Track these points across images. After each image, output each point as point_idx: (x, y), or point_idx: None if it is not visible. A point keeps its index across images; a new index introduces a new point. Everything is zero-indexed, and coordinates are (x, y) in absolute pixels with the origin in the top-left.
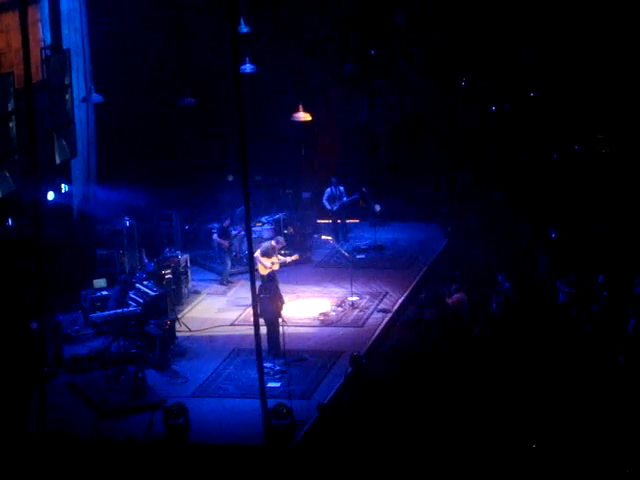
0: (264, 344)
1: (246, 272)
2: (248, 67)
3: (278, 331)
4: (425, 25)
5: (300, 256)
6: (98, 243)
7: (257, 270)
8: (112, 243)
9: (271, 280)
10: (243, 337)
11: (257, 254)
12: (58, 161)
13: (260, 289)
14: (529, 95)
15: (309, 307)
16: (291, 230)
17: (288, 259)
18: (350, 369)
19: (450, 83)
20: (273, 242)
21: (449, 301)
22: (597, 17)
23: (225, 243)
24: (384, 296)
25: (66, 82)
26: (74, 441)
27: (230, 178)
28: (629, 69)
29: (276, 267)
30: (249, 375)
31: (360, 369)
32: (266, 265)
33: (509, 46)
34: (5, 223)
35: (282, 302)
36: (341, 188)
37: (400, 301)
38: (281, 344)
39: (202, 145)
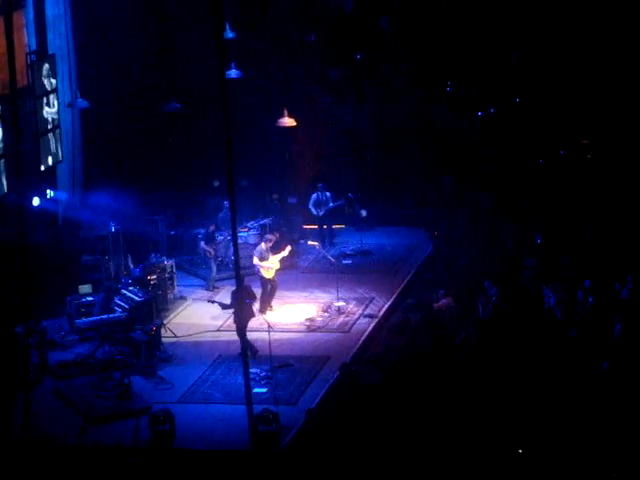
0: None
1: (232, 278)
2: (234, 72)
3: None
4: (411, 30)
5: (292, 247)
6: (83, 249)
7: (261, 276)
8: (97, 249)
9: (268, 285)
10: (229, 343)
11: (256, 262)
12: (43, 167)
13: (244, 293)
14: (515, 100)
15: (295, 313)
16: (277, 235)
17: (284, 253)
18: (337, 375)
19: (436, 88)
20: (263, 244)
21: (436, 306)
22: (583, 23)
23: (211, 251)
24: (370, 301)
25: (51, 87)
26: (59, 447)
27: (216, 183)
28: (614, 75)
29: (278, 266)
30: (235, 381)
31: (350, 377)
32: (268, 267)
33: (495, 51)
34: None
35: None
36: (327, 194)
37: (386, 306)
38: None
39: (188, 150)
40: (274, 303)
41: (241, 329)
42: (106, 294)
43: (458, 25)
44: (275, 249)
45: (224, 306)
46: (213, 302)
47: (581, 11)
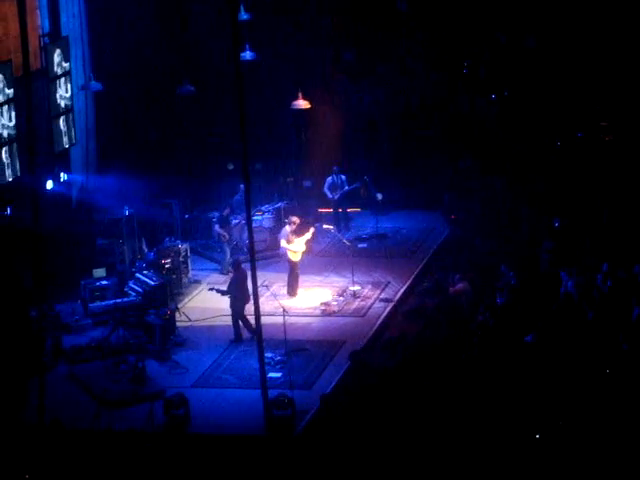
0: (265, 334)
1: (247, 261)
2: (248, 54)
3: None
4: (427, 11)
5: (315, 229)
6: (97, 232)
7: (289, 259)
8: (111, 232)
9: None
10: (244, 327)
11: (283, 244)
12: (57, 150)
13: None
14: (532, 82)
15: (310, 297)
16: (300, 218)
17: (308, 236)
18: (349, 364)
19: (452, 70)
20: (287, 227)
21: (452, 290)
22: (601, 3)
23: (225, 235)
24: (386, 285)
25: (65, 70)
26: (73, 432)
27: (230, 167)
28: (632, 57)
29: (304, 248)
30: (250, 365)
31: (359, 365)
32: (295, 249)
33: (512, 32)
34: (4, 212)
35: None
36: (342, 177)
37: (402, 290)
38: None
39: (202, 133)
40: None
41: (239, 314)
42: (119, 279)
43: (475, 6)
44: (297, 232)
45: (222, 292)
46: (211, 289)
47: None
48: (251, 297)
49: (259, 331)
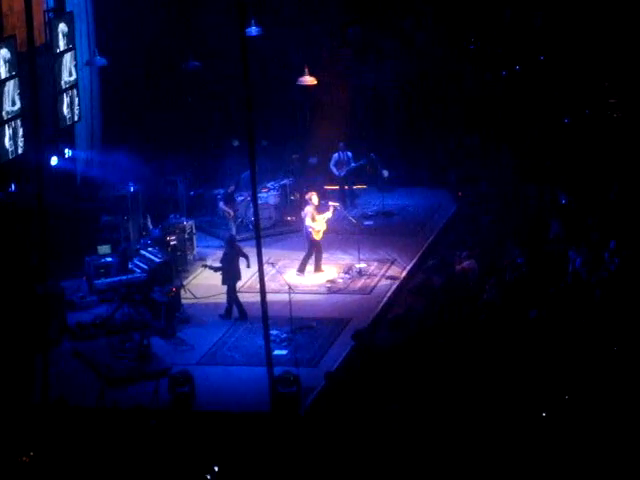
0: (270, 312)
1: (252, 239)
2: (254, 30)
3: None
4: None
5: (333, 210)
6: (102, 209)
7: (312, 238)
8: (116, 209)
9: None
10: (249, 304)
11: (308, 223)
12: (62, 126)
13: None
14: (539, 58)
15: (316, 274)
16: (297, 196)
17: (328, 214)
18: (353, 344)
19: (459, 45)
20: (310, 206)
21: (458, 268)
22: None
23: (230, 212)
24: (392, 263)
25: (69, 45)
26: (78, 409)
27: (236, 143)
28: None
29: (325, 227)
30: (255, 343)
31: (362, 345)
32: (319, 228)
33: (519, 8)
34: (8, 188)
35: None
36: (349, 153)
37: (408, 268)
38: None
39: (207, 109)
40: (296, 265)
41: (232, 290)
42: (122, 256)
43: None
44: (319, 210)
45: (215, 269)
46: (204, 266)
47: None
48: (242, 275)
49: (264, 309)
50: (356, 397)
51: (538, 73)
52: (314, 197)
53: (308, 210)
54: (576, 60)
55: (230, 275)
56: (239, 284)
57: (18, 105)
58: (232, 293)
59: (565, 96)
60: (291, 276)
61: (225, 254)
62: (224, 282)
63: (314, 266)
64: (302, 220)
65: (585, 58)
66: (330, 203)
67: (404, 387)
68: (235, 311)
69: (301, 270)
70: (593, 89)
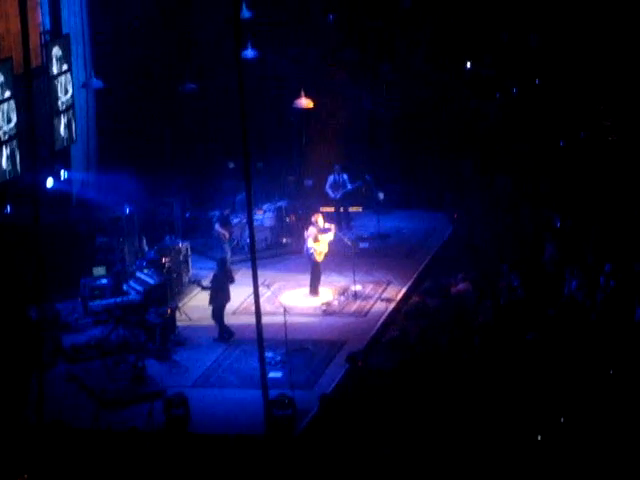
0: (266, 334)
1: (247, 260)
2: (250, 52)
3: None
4: (430, 8)
5: (334, 231)
6: (98, 230)
7: (314, 260)
8: (112, 230)
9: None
10: (244, 327)
11: (310, 244)
12: (57, 147)
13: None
14: (535, 81)
15: (312, 297)
16: (293, 218)
17: (330, 236)
18: (347, 367)
19: (454, 68)
20: (312, 227)
21: (454, 290)
22: (604, 2)
23: (226, 234)
24: (387, 285)
25: (66, 67)
26: (73, 431)
27: (231, 165)
28: (635, 56)
29: (327, 249)
30: (250, 365)
31: (356, 368)
32: (321, 249)
33: (515, 31)
34: (4, 210)
35: None
36: (344, 176)
37: (403, 290)
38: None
39: (203, 131)
40: (291, 287)
41: (219, 311)
42: (115, 278)
43: (478, 5)
44: (321, 232)
45: (203, 287)
46: (193, 282)
47: None
48: (231, 298)
49: (259, 332)
50: (351, 420)
51: (534, 96)
52: (320, 219)
53: (311, 231)
54: (571, 83)
55: (218, 296)
56: (231, 306)
57: (14, 125)
58: (218, 313)
59: (560, 119)
60: (287, 298)
61: (215, 275)
62: (211, 302)
63: (309, 288)
64: (304, 241)
65: (580, 81)
66: (325, 225)
67: (398, 412)
68: (226, 332)
69: (313, 292)
70: (588, 112)
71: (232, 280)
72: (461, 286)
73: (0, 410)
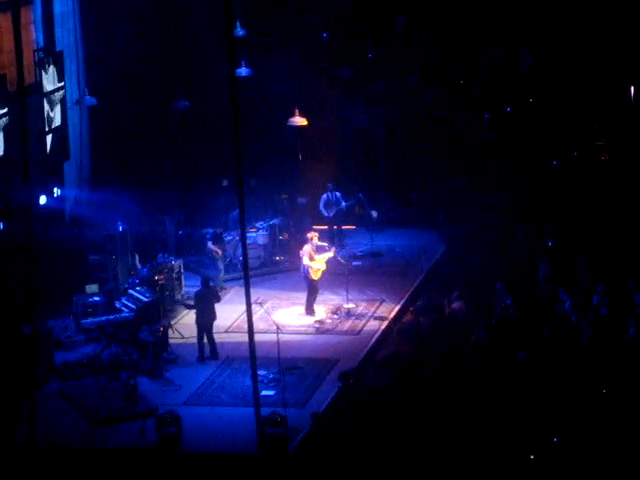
0: (258, 352)
1: (240, 278)
2: (244, 70)
3: None
4: (424, 29)
5: (334, 251)
6: (90, 248)
7: (310, 278)
8: (105, 248)
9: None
10: (237, 344)
11: (306, 262)
12: (50, 164)
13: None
14: (528, 100)
15: (304, 314)
16: (286, 236)
17: (329, 254)
18: (339, 385)
19: (448, 87)
20: (308, 245)
21: (448, 309)
22: (596, 22)
23: (219, 251)
24: (380, 304)
25: (59, 84)
26: (65, 449)
27: (225, 183)
28: (627, 75)
29: (324, 267)
30: (243, 383)
31: (348, 386)
32: (317, 268)
33: (508, 51)
34: None
35: None
36: (337, 194)
37: (397, 309)
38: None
39: (196, 149)
40: (284, 305)
41: (206, 330)
42: (107, 296)
43: (472, 24)
44: (318, 250)
45: (188, 306)
46: (178, 301)
47: (595, 10)
48: (216, 317)
49: (252, 350)
50: (343, 439)
51: (527, 115)
52: (315, 237)
53: (306, 249)
54: (564, 102)
55: (204, 315)
56: (224, 324)
57: (5, 144)
58: (201, 332)
59: (554, 138)
60: (280, 316)
61: (198, 293)
62: (196, 321)
63: (305, 306)
64: (300, 258)
65: (573, 100)
66: (318, 243)
67: (391, 430)
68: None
69: (309, 311)
70: (581, 131)
71: (218, 299)
72: (455, 305)
73: None
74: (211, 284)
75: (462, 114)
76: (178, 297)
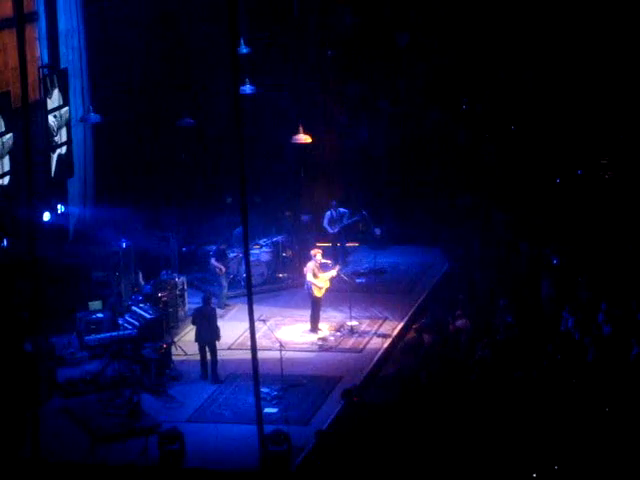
0: (261, 369)
1: (243, 295)
2: (248, 88)
3: None
4: (427, 46)
5: (338, 269)
6: (94, 264)
7: (313, 295)
8: (108, 265)
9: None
10: (240, 362)
11: (309, 279)
12: (54, 181)
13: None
14: (531, 118)
15: (308, 331)
16: (289, 253)
17: (333, 273)
18: (342, 403)
19: (451, 105)
20: (312, 262)
21: (452, 327)
22: (600, 40)
23: (222, 268)
24: (384, 321)
25: (63, 101)
26: (67, 466)
27: (228, 200)
28: (631, 93)
29: (328, 284)
30: (246, 400)
31: (351, 404)
32: (320, 284)
33: (511, 68)
34: (0, 243)
35: None
36: (341, 210)
37: (400, 326)
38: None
39: (200, 166)
40: (288, 322)
41: (209, 349)
42: (112, 312)
43: (476, 42)
44: (323, 268)
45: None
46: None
47: (597, 28)
48: (220, 336)
49: (255, 367)
50: (347, 456)
51: (530, 133)
52: (319, 254)
53: (309, 266)
54: (568, 120)
55: (200, 331)
56: (227, 341)
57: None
58: (203, 350)
59: (557, 156)
60: (283, 333)
61: (196, 309)
62: (196, 339)
63: (310, 324)
64: (304, 275)
65: (577, 118)
66: (322, 260)
67: (395, 448)
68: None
69: (313, 328)
70: (585, 149)
71: (213, 320)
72: (459, 322)
73: None
74: (213, 302)
75: (465, 132)
76: (182, 314)
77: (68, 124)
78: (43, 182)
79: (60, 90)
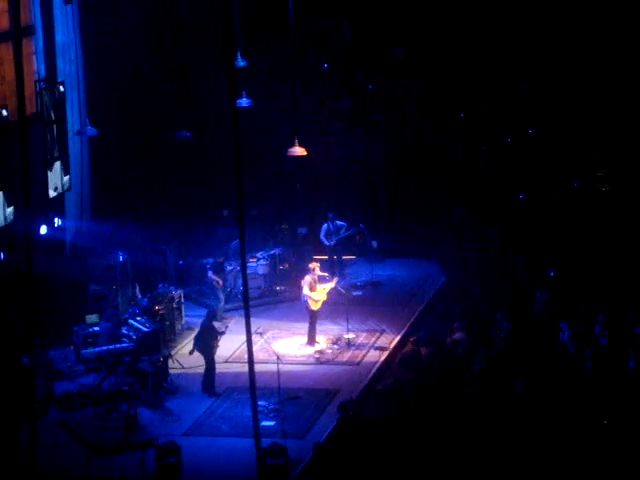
0: (258, 382)
1: (240, 308)
2: (244, 101)
3: None
4: (423, 59)
5: (336, 281)
6: (91, 278)
7: (310, 308)
8: (105, 278)
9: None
10: (237, 375)
11: (306, 292)
12: (52, 195)
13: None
14: (528, 131)
15: (305, 344)
16: (286, 266)
17: (331, 285)
18: (338, 416)
19: (448, 118)
20: (309, 275)
21: (449, 340)
22: (596, 52)
23: (219, 281)
24: (381, 334)
25: (60, 115)
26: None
27: (225, 213)
28: (629, 106)
29: (325, 297)
30: (243, 413)
31: (347, 417)
32: (317, 298)
33: (507, 82)
34: None
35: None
36: (338, 223)
37: (397, 339)
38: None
39: (197, 179)
40: (285, 335)
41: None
42: (114, 323)
43: (472, 55)
44: (319, 281)
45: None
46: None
47: (594, 39)
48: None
49: (252, 380)
50: (344, 469)
51: (527, 146)
52: (317, 268)
53: (307, 279)
54: (565, 133)
55: (198, 345)
56: (224, 354)
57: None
58: (209, 366)
59: (554, 169)
60: (280, 346)
61: (203, 325)
62: (191, 352)
63: (307, 337)
64: (301, 288)
65: (573, 131)
66: (319, 273)
67: (391, 461)
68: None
69: (310, 341)
70: (581, 162)
71: (214, 335)
72: (457, 335)
73: None
74: (217, 319)
75: (461, 145)
76: (179, 327)
77: (65, 137)
78: (40, 196)
79: (57, 103)
